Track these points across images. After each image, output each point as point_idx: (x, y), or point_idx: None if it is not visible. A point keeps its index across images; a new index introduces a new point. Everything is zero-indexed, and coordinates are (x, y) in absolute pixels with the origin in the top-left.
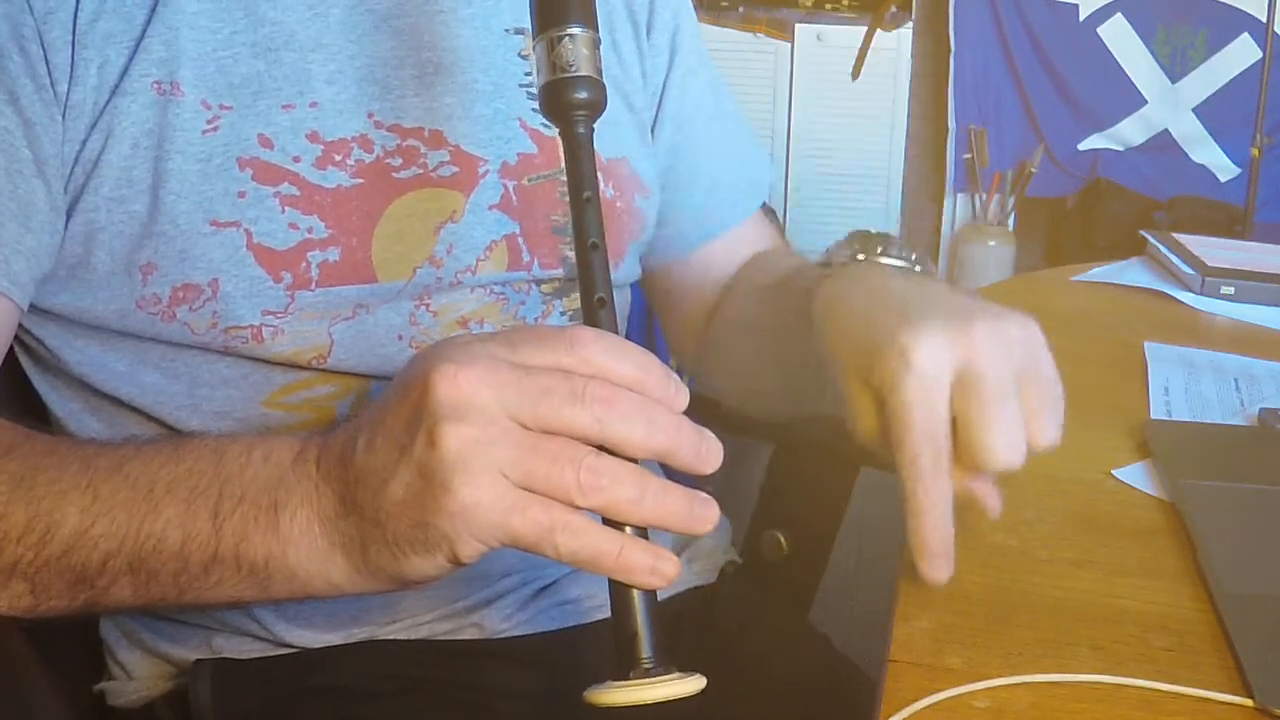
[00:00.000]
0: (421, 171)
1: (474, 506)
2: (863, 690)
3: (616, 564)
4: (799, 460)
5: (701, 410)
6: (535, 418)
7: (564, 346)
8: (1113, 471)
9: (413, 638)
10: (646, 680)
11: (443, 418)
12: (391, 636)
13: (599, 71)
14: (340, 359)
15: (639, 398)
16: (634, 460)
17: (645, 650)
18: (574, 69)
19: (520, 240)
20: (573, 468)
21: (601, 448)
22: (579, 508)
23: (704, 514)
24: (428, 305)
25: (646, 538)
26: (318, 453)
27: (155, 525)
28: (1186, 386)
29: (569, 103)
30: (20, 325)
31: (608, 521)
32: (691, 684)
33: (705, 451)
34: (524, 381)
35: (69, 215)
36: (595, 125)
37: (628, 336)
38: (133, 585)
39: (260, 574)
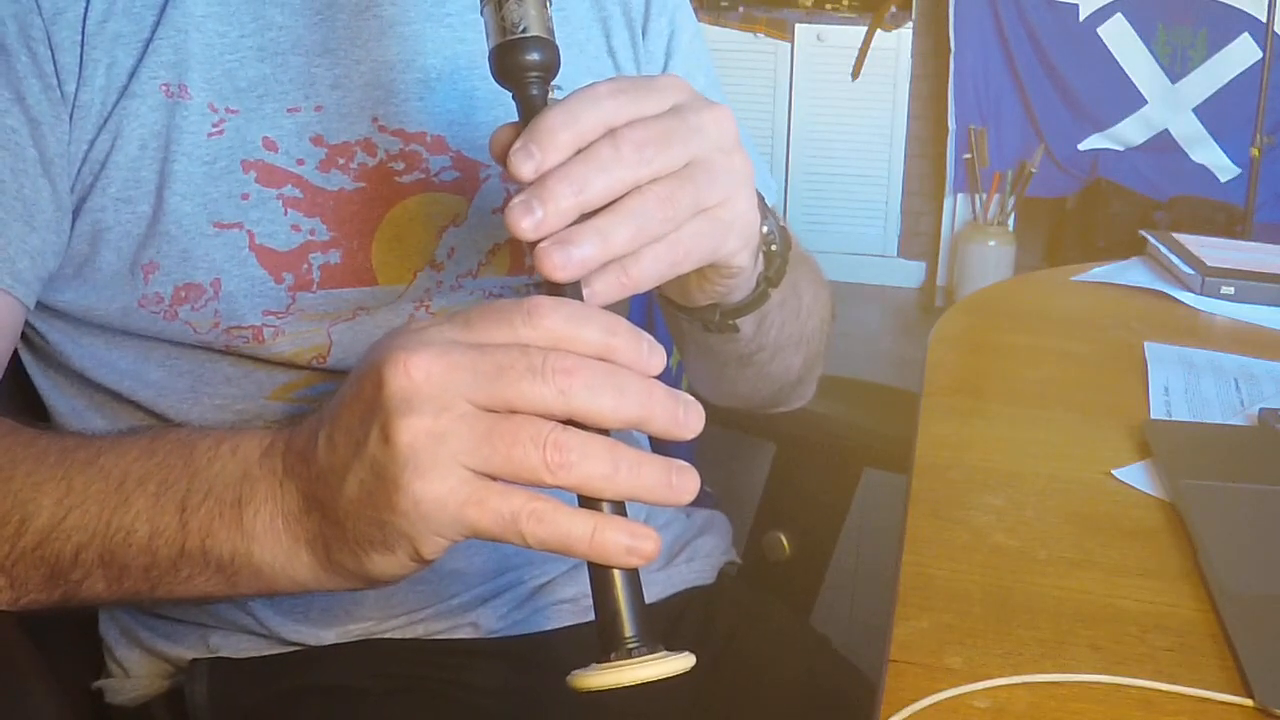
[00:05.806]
0: (424, 176)
1: (427, 502)
2: (862, 692)
3: (590, 548)
4: (802, 461)
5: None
6: (493, 398)
7: (520, 318)
8: (1113, 471)
9: (408, 636)
10: (630, 660)
11: (394, 411)
12: (387, 635)
13: (550, 31)
14: (339, 359)
15: (605, 365)
16: (606, 433)
17: (629, 629)
18: (523, 29)
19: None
20: (536, 446)
21: (572, 422)
22: (552, 487)
23: (683, 484)
24: (428, 307)
25: (624, 513)
26: (284, 447)
27: (125, 519)
28: (1186, 386)
29: (520, 65)
30: (25, 322)
31: (586, 500)
32: (679, 662)
33: (684, 416)
34: (478, 362)
35: (76, 215)
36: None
37: None
38: (105, 579)
39: (227, 570)
